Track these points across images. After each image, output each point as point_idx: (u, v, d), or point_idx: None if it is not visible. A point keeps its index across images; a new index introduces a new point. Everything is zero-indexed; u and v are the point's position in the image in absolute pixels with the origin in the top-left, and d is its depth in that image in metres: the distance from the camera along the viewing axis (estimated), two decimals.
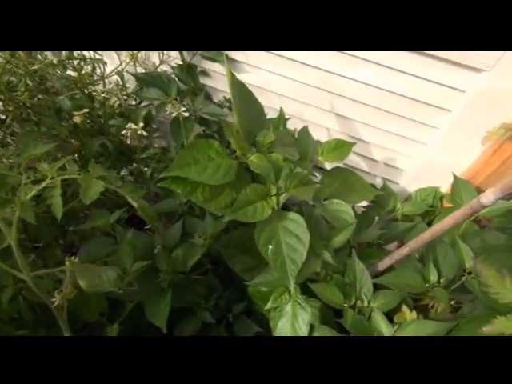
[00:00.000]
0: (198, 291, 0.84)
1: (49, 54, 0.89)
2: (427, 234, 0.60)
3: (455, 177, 0.89)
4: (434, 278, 0.64)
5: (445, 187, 1.00)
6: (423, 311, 0.70)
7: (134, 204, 0.57)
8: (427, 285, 0.65)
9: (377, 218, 0.96)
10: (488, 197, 0.47)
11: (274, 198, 0.65)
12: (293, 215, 0.64)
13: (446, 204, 0.97)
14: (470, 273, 0.65)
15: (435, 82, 0.82)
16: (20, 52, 0.86)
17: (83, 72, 0.91)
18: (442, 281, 0.64)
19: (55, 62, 0.80)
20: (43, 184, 0.54)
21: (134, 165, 1.04)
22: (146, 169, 1.03)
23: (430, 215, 0.97)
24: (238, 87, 0.64)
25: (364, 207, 1.03)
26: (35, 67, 0.80)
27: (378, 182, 1.12)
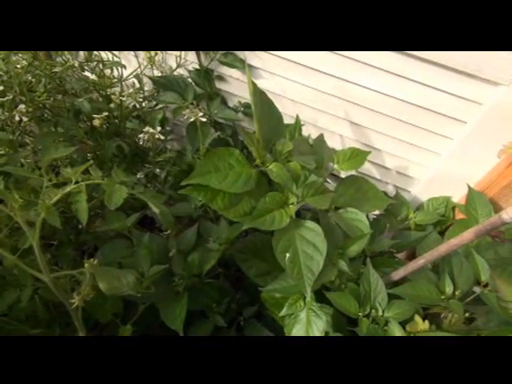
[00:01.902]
0: (211, 294, 0.85)
1: (69, 56, 0.90)
2: (444, 247, 0.60)
3: (470, 188, 0.88)
4: (449, 290, 0.65)
5: (457, 197, 1.00)
6: (434, 320, 0.71)
7: (156, 210, 0.58)
8: (442, 297, 0.65)
9: (388, 225, 0.96)
10: (509, 213, 0.48)
11: (291, 207, 0.65)
12: (310, 224, 0.65)
13: (459, 214, 0.97)
14: (485, 285, 0.65)
15: (451, 94, 0.83)
16: (40, 54, 0.87)
17: (101, 74, 0.91)
18: (457, 293, 0.65)
19: (76, 64, 0.81)
20: (68, 189, 0.55)
21: (147, 166, 1.05)
22: (159, 171, 1.04)
23: (441, 224, 0.98)
24: (259, 96, 0.64)
25: (376, 215, 1.03)
26: (56, 69, 0.80)
27: (390, 190, 1.13)
